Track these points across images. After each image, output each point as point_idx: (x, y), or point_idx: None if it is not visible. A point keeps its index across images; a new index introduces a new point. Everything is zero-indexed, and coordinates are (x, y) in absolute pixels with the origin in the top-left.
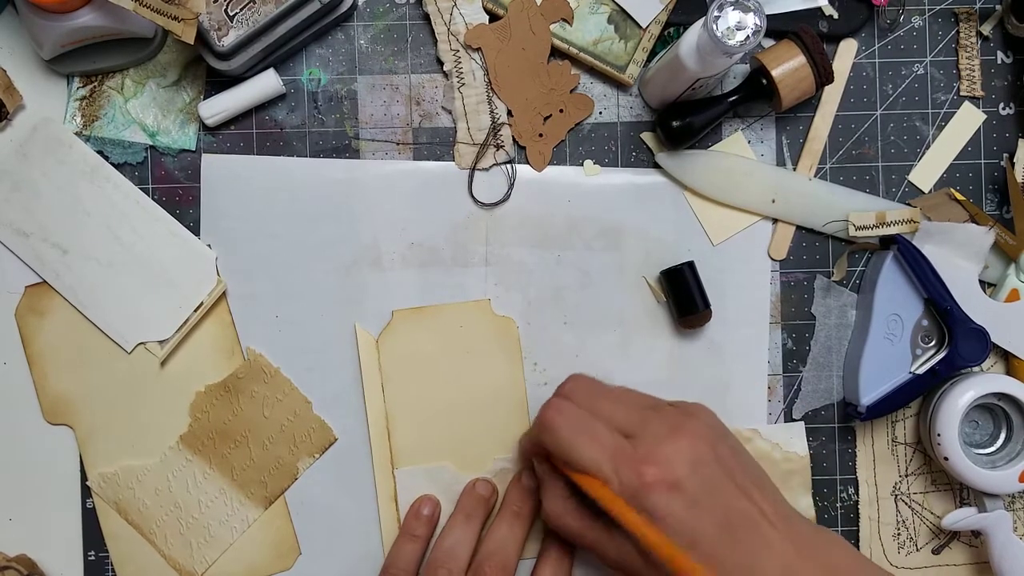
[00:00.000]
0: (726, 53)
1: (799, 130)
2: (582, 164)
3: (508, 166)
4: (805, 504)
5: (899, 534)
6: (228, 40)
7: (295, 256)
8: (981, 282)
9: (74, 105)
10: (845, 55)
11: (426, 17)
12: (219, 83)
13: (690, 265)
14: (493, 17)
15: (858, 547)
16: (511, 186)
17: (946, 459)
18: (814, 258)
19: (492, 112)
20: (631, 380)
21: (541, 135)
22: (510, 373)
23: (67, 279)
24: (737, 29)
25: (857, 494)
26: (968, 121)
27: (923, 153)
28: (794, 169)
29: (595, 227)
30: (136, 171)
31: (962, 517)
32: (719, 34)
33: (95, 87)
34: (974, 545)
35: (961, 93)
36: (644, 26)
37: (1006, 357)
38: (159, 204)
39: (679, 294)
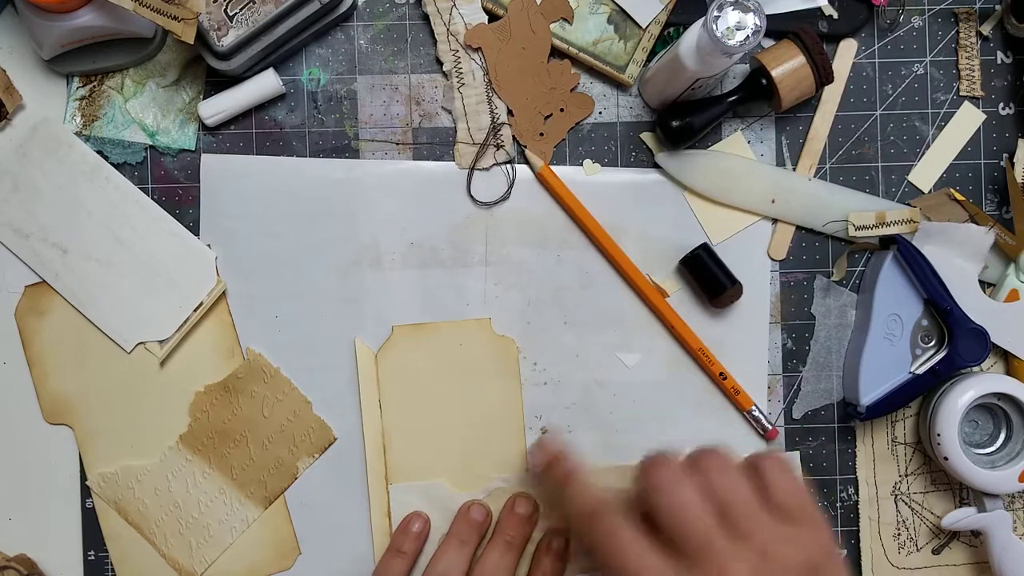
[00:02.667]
0: (726, 53)
1: (799, 130)
2: (582, 164)
3: (508, 166)
4: None
5: (899, 534)
6: (228, 40)
7: (295, 256)
8: (981, 282)
9: (74, 105)
10: (845, 55)
11: (426, 17)
12: (219, 83)
13: (705, 248)
14: (493, 17)
15: (858, 547)
16: (511, 186)
17: (946, 459)
18: (814, 258)
19: (492, 112)
20: (631, 380)
21: (542, 134)
22: (508, 393)
23: (67, 279)
24: (737, 29)
25: (857, 494)
26: (968, 121)
27: (923, 153)
28: (794, 169)
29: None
30: (136, 171)
31: (962, 517)
32: (719, 34)
33: (95, 87)
34: (974, 545)
35: (961, 93)
36: (644, 26)
37: (1006, 357)
38: (159, 204)
39: (703, 278)
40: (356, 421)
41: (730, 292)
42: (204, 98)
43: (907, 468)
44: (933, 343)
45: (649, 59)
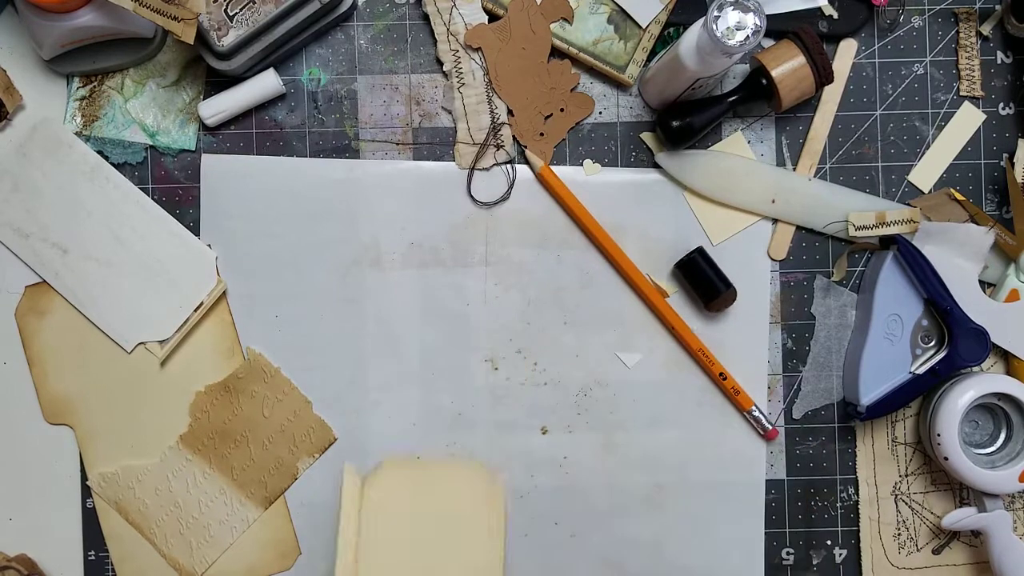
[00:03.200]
0: (726, 53)
1: (799, 130)
2: (582, 164)
3: (508, 166)
4: None
5: (899, 534)
6: (228, 40)
7: (295, 256)
8: (981, 282)
9: (74, 105)
10: (845, 55)
11: (426, 17)
12: (219, 83)
13: (700, 252)
14: (493, 17)
15: (858, 547)
16: (511, 186)
17: (946, 459)
18: (814, 258)
19: (492, 112)
20: (631, 380)
21: (542, 134)
22: (490, 549)
23: (67, 279)
24: (737, 29)
25: (857, 494)
26: (968, 121)
27: (923, 153)
28: (794, 169)
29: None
30: (136, 171)
31: (962, 517)
32: (719, 34)
33: (95, 87)
34: (974, 545)
35: (961, 93)
36: (644, 26)
37: (1006, 357)
38: (159, 204)
39: (698, 282)
40: (357, 421)
41: (724, 296)
42: (204, 98)
43: (907, 468)
44: (933, 343)
45: (649, 59)
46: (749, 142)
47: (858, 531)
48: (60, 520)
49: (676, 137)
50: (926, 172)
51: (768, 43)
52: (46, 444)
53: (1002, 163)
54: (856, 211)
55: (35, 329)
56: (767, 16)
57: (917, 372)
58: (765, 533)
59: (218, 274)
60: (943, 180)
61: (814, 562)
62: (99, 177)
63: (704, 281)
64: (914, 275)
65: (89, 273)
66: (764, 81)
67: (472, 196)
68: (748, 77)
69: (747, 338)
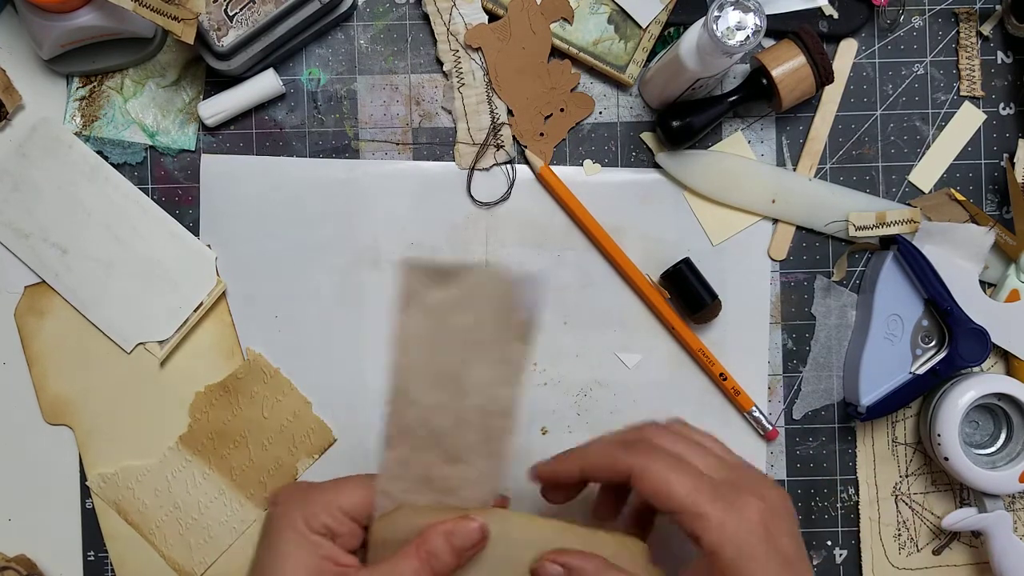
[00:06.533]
0: (726, 53)
1: (799, 130)
2: (582, 164)
3: (508, 166)
4: None
5: (900, 535)
6: (228, 40)
7: (295, 256)
8: (981, 282)
9: (74, 105)
10: (845, 55)
11: (426, 17)
12: (219, 83)
13: (687, 262)
14: (493, 17)
15: (859, 548)
16: (511, 186)
17: (946, 459)
18: (814, 258)
19: (492, 112)
20: (631, 380)
21: (542, 134)
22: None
23: (67, 279)
24: (737, 29)
25: (857, 494)
26: (968, 121)
27: (923, 153)
28: (794, 169)
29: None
30: (136, 171)
31: (962, 517)
32: (719, 34)
33: (95, 87)
34: (974, 546)
35: (961, 93)
36: (644, 26)
37: (1006, 357)
38: (159, 204)
39: (683, 293)
40: (357, 421)
41: (710, 309)
42: (204, 98)
43: (907, 468)
44: (933, 343)
45: (649, 59)
46: (749, 142)
47: (858, 531)
48: (59, 520)
49: (676, 137)
50: (926, 172)
51: (768, 43)
52: (46, 444)
53: (1002, 163)
54: (856, 211)
55: (35, 329)
56: (767, 16)
57: (917, 372)
58: None
59: (218, 274)
60: (943, 180)
61: (814, 562)
62: (99, 177)
63: (689, 292)
64: (914, 275)
65: (89, 273)
66: (764, 81)
67: (472, 196)
68: (748, 77)
69: (747, 338)
